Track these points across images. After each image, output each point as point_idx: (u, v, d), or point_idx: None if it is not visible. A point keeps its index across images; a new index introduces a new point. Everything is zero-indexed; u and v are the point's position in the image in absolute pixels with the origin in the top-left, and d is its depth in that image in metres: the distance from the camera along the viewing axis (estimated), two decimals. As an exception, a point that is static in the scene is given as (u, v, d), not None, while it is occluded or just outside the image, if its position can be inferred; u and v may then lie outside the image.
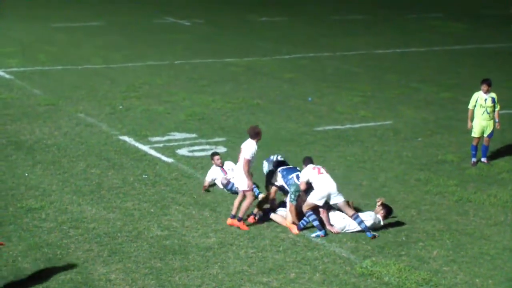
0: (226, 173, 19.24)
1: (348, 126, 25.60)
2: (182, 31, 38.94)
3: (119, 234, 16.46)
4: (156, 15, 42.08)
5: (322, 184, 17.32)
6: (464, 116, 25.38)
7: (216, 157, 19.35)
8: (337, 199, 17.60)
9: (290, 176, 17.42)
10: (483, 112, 22.47)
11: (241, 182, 17.35)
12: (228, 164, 19.46)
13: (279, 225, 17.57)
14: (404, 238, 17.75)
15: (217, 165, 19.30)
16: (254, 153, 17.33)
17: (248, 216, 17.74)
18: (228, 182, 19.08)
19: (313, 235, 17.39)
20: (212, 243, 16.41)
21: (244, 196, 17.42)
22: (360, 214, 17.67)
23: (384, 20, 47.93)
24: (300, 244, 16.85)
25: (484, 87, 22.49)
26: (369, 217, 17.81)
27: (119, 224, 17.00)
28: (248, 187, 17.20)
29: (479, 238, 17.53)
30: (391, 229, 18.01)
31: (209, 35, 38.10)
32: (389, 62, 35.54)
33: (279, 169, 17.86)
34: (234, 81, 29.87)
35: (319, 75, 31.96)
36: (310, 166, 17.80)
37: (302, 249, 16.56)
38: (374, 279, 15.39)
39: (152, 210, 18.01)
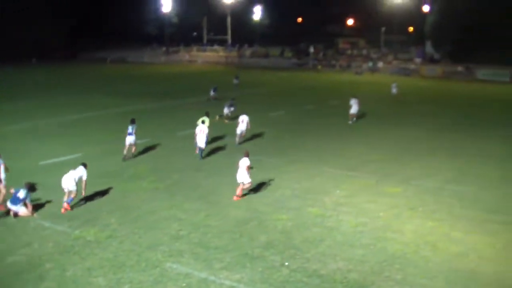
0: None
1: (63, 158, 25.21)
2: None
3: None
4: None
5: None
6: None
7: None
8: None
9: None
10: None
11: (244, 177, 19.78)
12: None
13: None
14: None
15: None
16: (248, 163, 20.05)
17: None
18: None
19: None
20: None
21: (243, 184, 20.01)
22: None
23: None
24: (35, 224, 17.29)
25: (205, 116, 26.82)
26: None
27: None
28: (248, 179, 19.86)
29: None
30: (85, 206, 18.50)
31: None
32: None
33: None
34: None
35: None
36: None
37: (39, 230, 16.85)
38: (82, 240, 16.34)
39: None
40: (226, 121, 35.06)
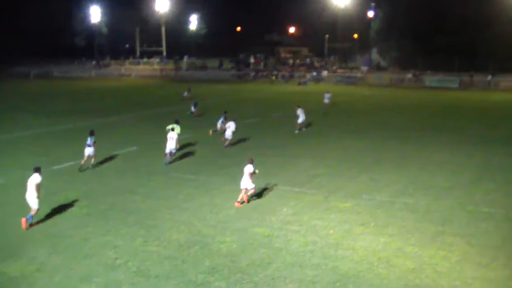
0: None
1: None
2: None
3: None
4: None
5: None
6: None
7: None
8: None
9: None
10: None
11: (247, 183, 21.41)
12: None
13: None
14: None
15: None
16: (254, 169, 21.58)
17: None
18: None
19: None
20: None
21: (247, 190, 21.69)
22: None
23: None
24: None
25: (175, 124, 28.72)
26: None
27: None
28: (251, 185, 21.51)
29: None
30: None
31: None
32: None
33: None
34: None
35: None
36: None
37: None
38: (5, 276, 15.67)
39: None
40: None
